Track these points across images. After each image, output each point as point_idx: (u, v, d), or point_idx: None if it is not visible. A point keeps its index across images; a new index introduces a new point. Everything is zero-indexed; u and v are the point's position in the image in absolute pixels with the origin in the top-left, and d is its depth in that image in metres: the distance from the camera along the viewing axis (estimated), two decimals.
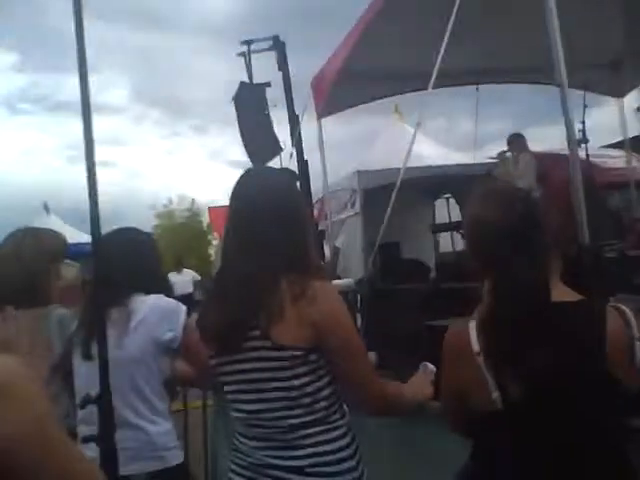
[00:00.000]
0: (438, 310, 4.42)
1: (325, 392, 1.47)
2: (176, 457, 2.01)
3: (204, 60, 61.68)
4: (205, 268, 24.00)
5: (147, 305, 2.00)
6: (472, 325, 1.29)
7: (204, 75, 63.17)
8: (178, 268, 13.52)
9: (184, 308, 2.08)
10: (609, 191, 9.39)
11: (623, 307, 1.28)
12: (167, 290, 2.22)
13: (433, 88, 5.20)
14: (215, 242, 26.18)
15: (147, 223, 31.23)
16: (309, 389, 1.44)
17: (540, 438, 1.21)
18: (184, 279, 13.18)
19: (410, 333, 4.18)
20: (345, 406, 1.54)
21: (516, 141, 7.14)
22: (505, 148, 7.27)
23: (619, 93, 8.47)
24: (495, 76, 8.76)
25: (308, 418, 1.44)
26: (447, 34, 4.70)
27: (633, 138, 8.28)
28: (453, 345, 1.33)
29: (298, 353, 1.42)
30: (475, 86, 8.99)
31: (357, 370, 1.48)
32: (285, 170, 1.93)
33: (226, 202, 1.64)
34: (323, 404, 1.46)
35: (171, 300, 2.10)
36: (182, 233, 32.85)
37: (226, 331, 1.48)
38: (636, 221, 7.61)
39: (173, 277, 11.78)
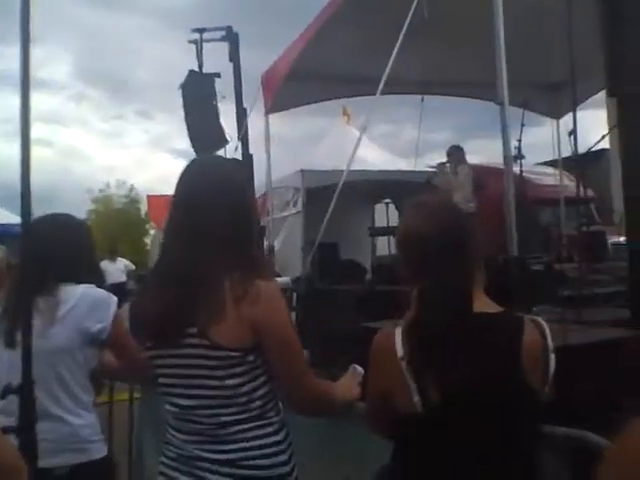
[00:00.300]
0: (373, 312, 4.51)
1: (260, 391, 1.47)
2: (100, 450, 1.97)
3: (154, 44, 60.37)
4: (140, 258, 23.43)
5: (76, 295, 1.95)
6: (398, 330, 1.33)
7: (153, 59, 61.85)
8: (112, 256, 13.17)
9: (115, 299, 2.04)
10: (541, 206, 9.83)
11: (540, 320, 1.35)
12: (99, 279, 2.17)
13: (381, 94, 5.29)
14: (152, 231, 25.62)
15: (82, 207, 30.35)
16: (244, 389, 1.44)
17: (457, 443, 1.26)
18: (117, 268, 12.86)
19: (344, 333, 4.24)
20: (280, 403, 1.55)
21: (455, 153, 7.37)
22: (445, 159, 7.47)
23: (556, 115, 8.89)
24: (440, 88, 9.01)
25: (242, 416, 1.45)
26: (398, 44, 4.78)
27: (565, 158, 8.68)
28: (379, 348, 1.37)
29: (235, 354, 1.41)
30: (421, 96, 9.19)
31: (294, 370, 1.49)
32: (233, 160, 1.90)
33: (167, 191, 1.61)
34: (258, 403, 1.46)
35: (102, 290, 2.05)
36: (118, 220, 31.97)
37: (163, 325, 1.45)
38: (564, 236, 7.99)
39: (106, 265, 11.45)
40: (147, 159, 61.17)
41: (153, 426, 2.47)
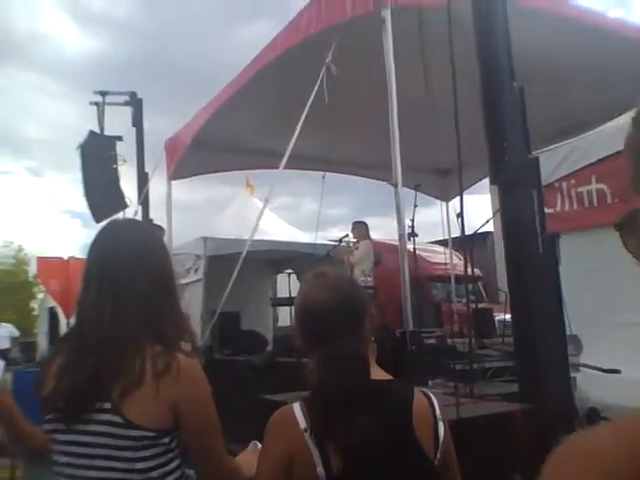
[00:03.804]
0: (273, 383, 4.48)
1: (171, 477, 1.35)
2: None
3: (51, 101, 58.62)
4: (26, 323, 21.82)
5: None
6: (297, 403, 1.35)
7: (48, 117, 59.91)
8: None
9: (1, 364, 1.94)
10: (432, 283, 10.36)
11: (427, 391, 1.45)
12: None
13: (284, 169, 5.49)
14: (40, 295, 24.07)
15: None
16: (154, 474, 1.32)
17: None
18: (0, 334, 11.94)
19: (243, 406, 4.17)
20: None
21: (358, 227, 7.66)
22: (347, 232, 7.75)
23: (446, 198, 9.62)
24: (340, 167, 9.56)
25: None
26: (300, 123, 5.03)
27: (454, 238, 9.31)
28: (280, 421, 1.35)
29: (150, 434, 1.30)
30: (322, 173, 9.59)
31: (212, 451, 1.42)
32: (152, 224, 1.83)
33: (58, 253, 1.55)
34: None
35: None
36: (3, 282, 29.88)
37: (72, 398, 1.32)
38: (454, 312, 8.42)
39: None
40: (38, 219, 58.12)
41: None
